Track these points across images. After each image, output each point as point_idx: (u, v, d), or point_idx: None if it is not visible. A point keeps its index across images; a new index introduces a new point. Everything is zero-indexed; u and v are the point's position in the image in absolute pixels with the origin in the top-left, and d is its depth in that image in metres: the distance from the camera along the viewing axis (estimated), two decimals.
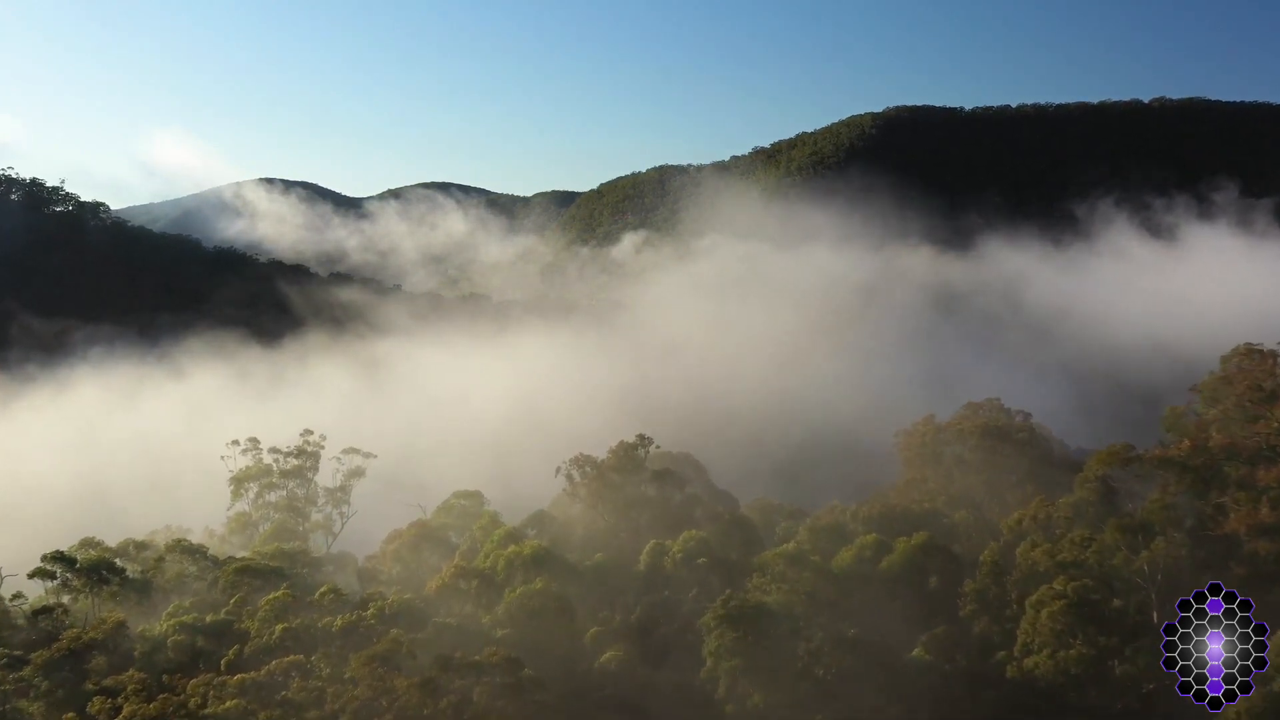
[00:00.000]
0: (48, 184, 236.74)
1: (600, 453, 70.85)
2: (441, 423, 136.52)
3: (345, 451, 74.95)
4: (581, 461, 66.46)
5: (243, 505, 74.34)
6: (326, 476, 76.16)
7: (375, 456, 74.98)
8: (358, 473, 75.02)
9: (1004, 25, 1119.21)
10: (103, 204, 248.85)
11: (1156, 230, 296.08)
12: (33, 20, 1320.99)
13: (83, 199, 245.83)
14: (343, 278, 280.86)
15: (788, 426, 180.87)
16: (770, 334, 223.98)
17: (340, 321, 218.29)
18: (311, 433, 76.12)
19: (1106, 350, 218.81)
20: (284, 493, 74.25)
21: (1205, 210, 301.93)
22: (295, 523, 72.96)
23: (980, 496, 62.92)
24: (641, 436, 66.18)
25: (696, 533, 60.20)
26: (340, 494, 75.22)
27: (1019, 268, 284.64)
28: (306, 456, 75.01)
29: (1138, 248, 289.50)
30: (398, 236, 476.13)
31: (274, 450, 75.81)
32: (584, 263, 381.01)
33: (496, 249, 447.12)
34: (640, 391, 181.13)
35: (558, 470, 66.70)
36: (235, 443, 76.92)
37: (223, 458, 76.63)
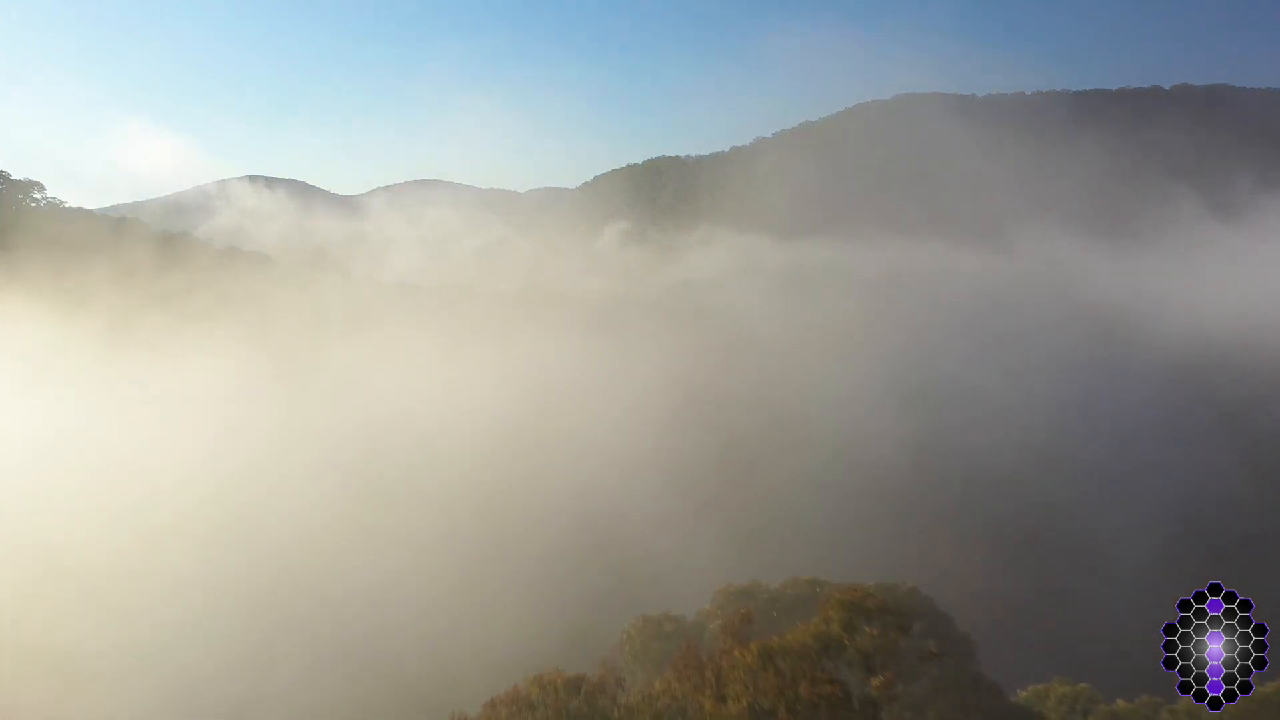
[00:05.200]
0: None
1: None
2: (361, 461, 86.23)
3: None
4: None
5: None
6: None
7: None
8: None
9: (1003, 17, 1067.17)
10: (38, 182, 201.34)
11: (1219, 212, 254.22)
12: (24, 14, 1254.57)
13: (14, 177, 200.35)
14: (309, 267, 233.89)
15: (821, 443, 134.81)
16: (776, 333, 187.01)
17: (290, 313, 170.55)
18: None
19: (1173, 348, 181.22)
20: None
21: (1266, 189, 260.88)
22: None
23: None
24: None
25: None
26: None
27: (1059, 259, 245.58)
28: None
29: (1189, 234, 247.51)
30: (388, 233, 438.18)
31: None
32: (578, 257, 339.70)
33: (490, 245, 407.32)
34: (641, 397, 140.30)
35: None
36: None
37: None
